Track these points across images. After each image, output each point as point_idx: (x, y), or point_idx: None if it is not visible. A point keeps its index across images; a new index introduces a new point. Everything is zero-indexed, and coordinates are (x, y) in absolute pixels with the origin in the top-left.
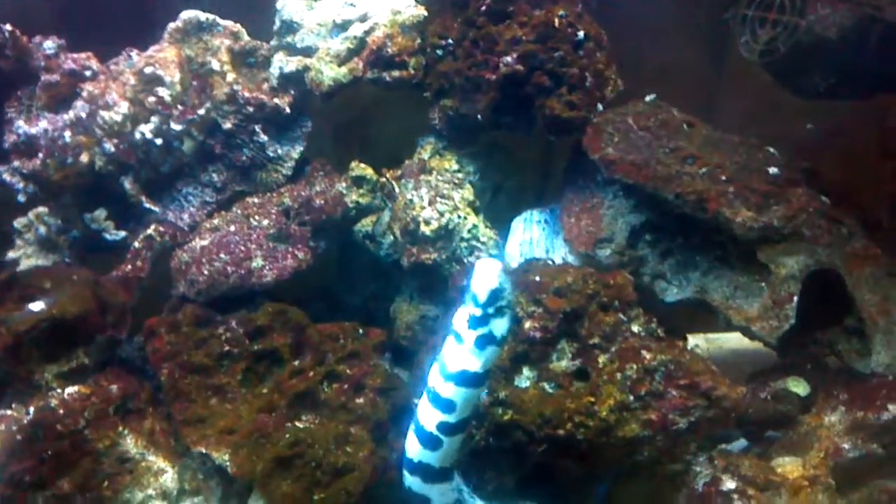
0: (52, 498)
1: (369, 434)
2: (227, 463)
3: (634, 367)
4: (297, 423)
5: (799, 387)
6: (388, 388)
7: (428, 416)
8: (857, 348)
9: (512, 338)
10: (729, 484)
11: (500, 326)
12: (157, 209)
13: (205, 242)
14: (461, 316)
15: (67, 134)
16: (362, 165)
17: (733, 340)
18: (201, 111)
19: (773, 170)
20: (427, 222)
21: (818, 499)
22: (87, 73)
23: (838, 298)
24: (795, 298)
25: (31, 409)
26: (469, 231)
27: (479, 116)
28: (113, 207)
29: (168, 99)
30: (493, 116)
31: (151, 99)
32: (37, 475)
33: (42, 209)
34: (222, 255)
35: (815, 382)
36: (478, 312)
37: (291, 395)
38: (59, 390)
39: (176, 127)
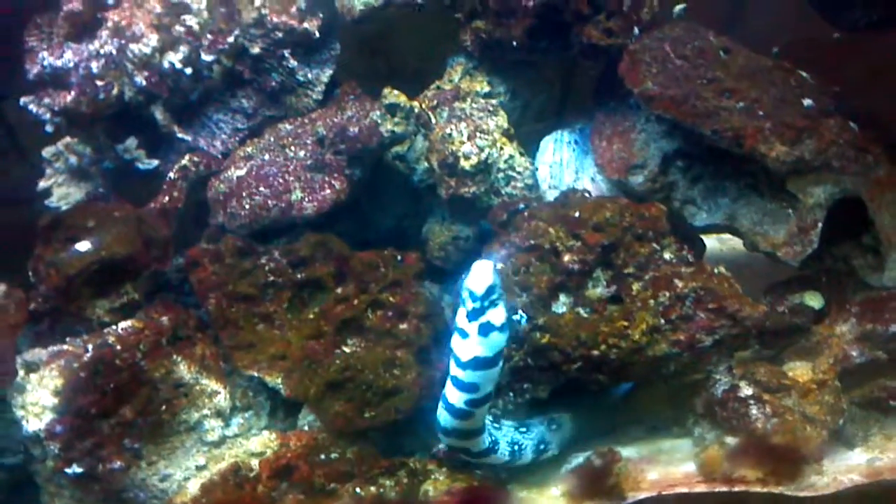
0: (116, 425)
1: (414, 357)
2: (280, 386)
3: (667, 294)
4: (345, 349)
5: (814, 300)
6: (429, 314)
7: (456, 397)
8: (872, 263)
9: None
10: (746, 391)
11: (496, 315)
12: (188, 138)
13: (241, 172)
14: (461, 314)
15: (94, 65)
16: (395, 92)
17: None
18: (230, 38)
19: (807, 101)
20: (467, 157)
21: (825, 399)
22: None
23: (856, 217)
24: (820, 225)
25: (90, 347)
26: (505, 162)
27: (513, 42)
28: (142, 135)
29: (196, 28)
30: (528, 42)
31: (179, 28)
32: (101, 406)
33: (71, 139)
34: (262, 189)
35: (829, 295)
36: (476, 305)
37: (338, 322)
38: (114, 327)
39: (207, 58)
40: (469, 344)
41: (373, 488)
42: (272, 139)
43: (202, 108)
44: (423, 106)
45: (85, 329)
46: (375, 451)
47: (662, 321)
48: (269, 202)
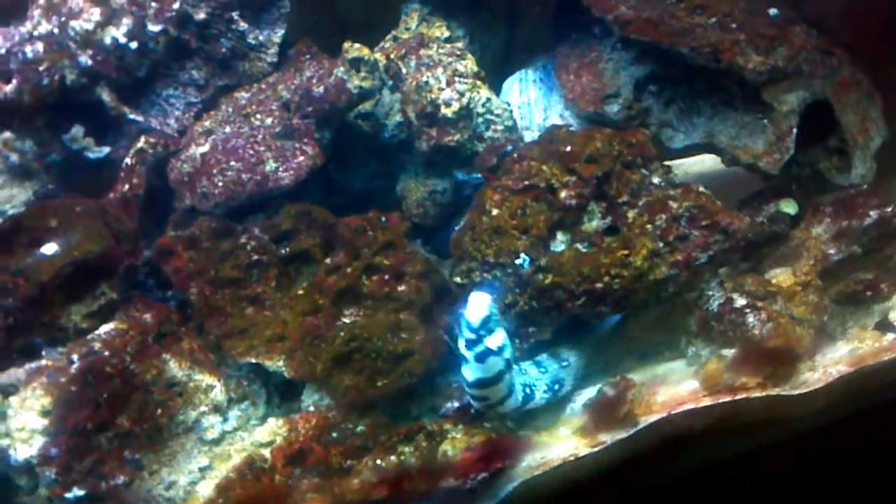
0: (115, 437)
1: (418, 318)
2: (283, 368)
3: (663, 216)
4: (345, 319)
5: (790, 207)
6: (427, 272)
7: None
8: (837, 164)
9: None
10: (740, 301)
11: (493, 340)
12: (140, 119)
13: (204, 149)
14: (461, 343)
15: (30, 49)
16: (357, 45)
17: (696, 165)
18: (176, 5)
19: (772, 11)
20: (447, 104)
21: (810, 299)
22: None
23: (819, 123)
24: (795, 131)
25: (75, 357)
26: (483, 105)
27: None
28: (84, 122)
29: None
30: None
31: (120, 1)
32: (97, 420)
33: (8, 135)
34: (233, 163)
35: (801, 200)
36: (472, 336)
37: (333, 294)
38: (98, 332)
39: (154, 28)
40: (470, 369)
41: (393, 457)
42: (230, 110)
43: (149, 86)
44: (393, 56)
45: (48, 341)
46: (387, 419)
47: (661, 244)
48: (243, 176)
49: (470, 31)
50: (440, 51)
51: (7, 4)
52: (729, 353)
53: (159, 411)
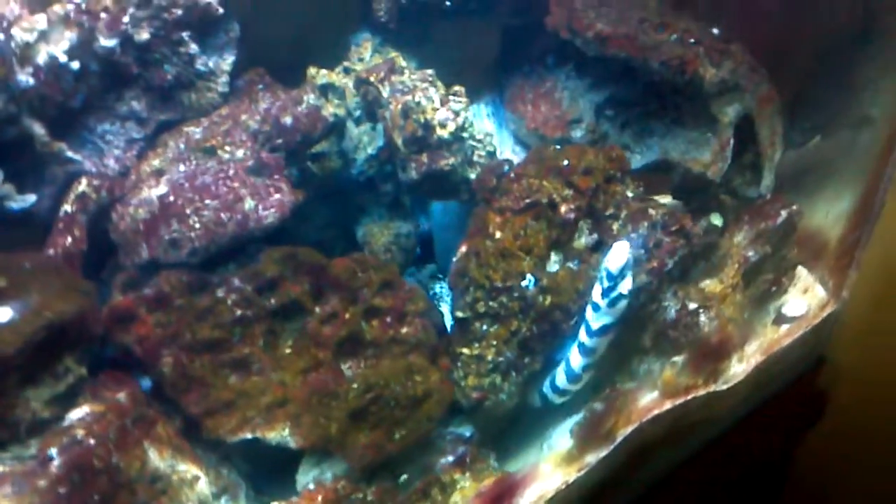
0: None
1: (427, 359)
2: (289, 438)
3: (645, 224)
4: (349, 371)
5: (718, 220)
6: (429, 310)
7: (577, 361)
8: (749, 180)
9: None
10: (692, 305)
11: (625, 285)
12: (78, 157)
13: (160, 190)
14: (597, 290)
15: None
16: (323, 71)
17: None
18: (125, 17)
19: (715, 30)
20: (443, 125)
21: (736, 299)
22: None
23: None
24: (731, 142)
25: (54, 452)
26: (468, 130)
27: (447, 2)
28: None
29: (84, 4)
30: (461, 2)
31: (63, 7)
32: None
33: None
34: (208, 201)
35: (723, 214)
36: (610, 284)
37: (334, 345)
38: (72, 417)
39: (106, 43)
40: (600, 315)
41: None
42: (182, 146)
43: (82, 119)
44: (373, 79)
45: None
46: (394, 483)
47: (642, 251)
48: (223, 216)
49: (420, 61)
50: (412, 76)
51: None
52: (679, 359)
53: None
